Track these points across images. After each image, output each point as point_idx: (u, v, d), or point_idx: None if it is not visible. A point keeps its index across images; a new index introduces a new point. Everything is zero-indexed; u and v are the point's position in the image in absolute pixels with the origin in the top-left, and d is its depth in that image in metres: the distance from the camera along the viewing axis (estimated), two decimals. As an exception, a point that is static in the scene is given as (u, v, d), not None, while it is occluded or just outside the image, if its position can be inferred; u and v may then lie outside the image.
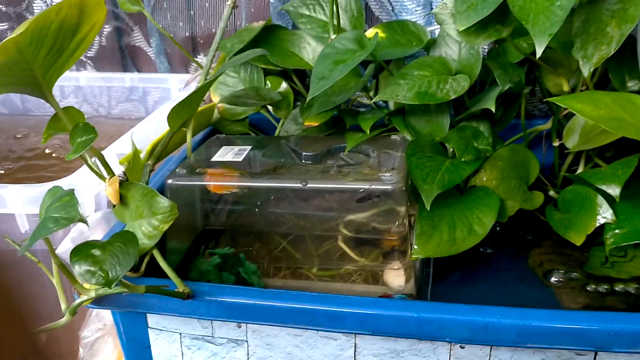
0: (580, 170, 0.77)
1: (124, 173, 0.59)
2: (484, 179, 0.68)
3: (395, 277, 0.67)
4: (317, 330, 0.53)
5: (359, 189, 0.58)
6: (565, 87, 0.76)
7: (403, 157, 0.63)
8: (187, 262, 0.67)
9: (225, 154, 0.68)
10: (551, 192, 0.75)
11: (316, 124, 0.69)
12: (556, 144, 0.79)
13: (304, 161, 0.66)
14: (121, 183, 0.57)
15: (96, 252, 0.48)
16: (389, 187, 0.58)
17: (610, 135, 0.70)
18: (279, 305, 0.51)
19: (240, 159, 0.66)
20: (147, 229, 0.55)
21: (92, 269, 0.46)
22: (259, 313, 0.51)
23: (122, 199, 0.58)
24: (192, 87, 0.87)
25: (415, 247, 0.59)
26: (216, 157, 0.67)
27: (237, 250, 0.71)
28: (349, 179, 0.59)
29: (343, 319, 0.50)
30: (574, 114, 0.76)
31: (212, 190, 0.64)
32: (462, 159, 0.63)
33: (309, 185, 0.59)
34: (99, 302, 0.53)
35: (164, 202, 0.55)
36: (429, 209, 0.59)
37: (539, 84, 0.81)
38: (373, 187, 0.58)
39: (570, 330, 0.46)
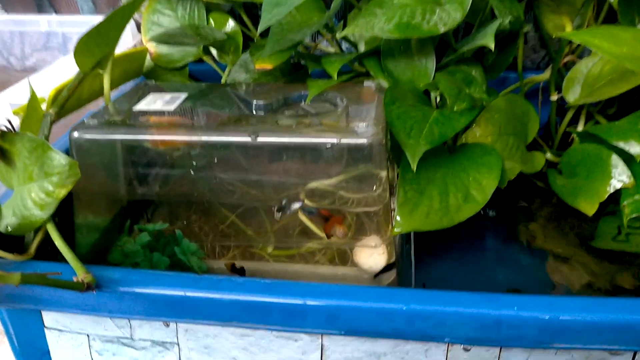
0: (580, 129, 0.66)
1: (10, 122, 0.44)
2: (477, 134, 0.55)
3: (368, 256, 0.54)
4: (271, 329, 0.39)
5: (325, 144, 0.45)
6: (569, 28, 0.64)
7: (379, 107, 0.50)
8: (108, 242, 0.53)
9: (154, 101, 0.53)
10: (548, 155, 0.63)
11: (270, 67, 0.55)
12: (554, 97, 0.67)
13: (255, 112, 0.52)
14: (3, 134, 0.42)
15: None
16: (365, 140, 0.44)
17: (618, 87, 0.59)
18: (220, 298, 0.37)
19: (171, 108, 0.51)
20: (38, 196, 0.41)
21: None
22: (192, 308, 0.38)
23: (6, 156, 0.42)
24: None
25: (398, 218, 0.45)
26: (141, 105, 0.52)
27: (172, 226, 0.56)
28: (312, 131, 0.46)
29: (305, 315, 0.37)
30: (574, 64, 0.64)
31: (136, 146, 0.50)
32: (454, 108, 0.50)
33: (260, 139, 0.45)
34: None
35: (59, 159, 0.40)
36: (414, 170, 0.45)
37: (538, 25, 0.69)
38: (344, 141, 0.44)
39: (611, 324, 0.34)
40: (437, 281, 0.52)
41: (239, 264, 0.54)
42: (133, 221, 0.55)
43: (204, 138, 0.46)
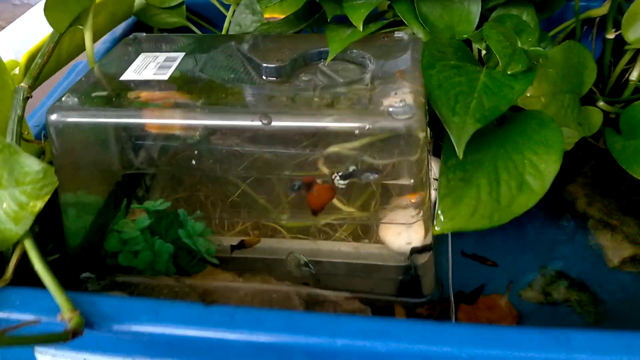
0: (635, 75, 0.56)
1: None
2: (528, 94, 0.46)
3: (396, 234, 0.47)
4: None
5: (354, 128, 0.37)
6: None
7: (416, 70, 0.41)
8: (103, 225, 0.47)
9: (144, 66, 0.44)
10: (601, 104, 0.55)
11: (281, 17, 0.46)
12: (611, 35, 0.57)
13: (265, 77, 0.43)
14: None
15: None
16: (402, 124, 0.36)
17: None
18: (233, 339, 0.31)
19: (165, 77, 0.43)
20: (10, 207, 0.34)
21: None
22: (199, 349, 0.32)
23: (-32, 156, 0.35)
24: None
25: (440, 213, 0.38)
26: (129, 74, 0.43)
27: (175, 197, 0.50)
28: (335, 113, 0.37)
29: (335, 358, 0.31)
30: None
31: (124, 127, 0.42)
32: (508, 71, 0.41)
33: (273, 124, 0.37)
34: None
35: (31, 165, 0.33)
36: (461, 157, 0.38)
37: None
38: (378, 125, 0.36)
39: None
40: (473, 246, 0.46)
41: (249, 239, 0.48)
42: (131, 193, 0.49)
43: (204, 122, 0.38)
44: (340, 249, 0.49)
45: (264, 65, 0.43)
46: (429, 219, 0.44)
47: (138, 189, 0.51)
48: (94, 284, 0.45)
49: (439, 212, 0.38)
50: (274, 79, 0.43)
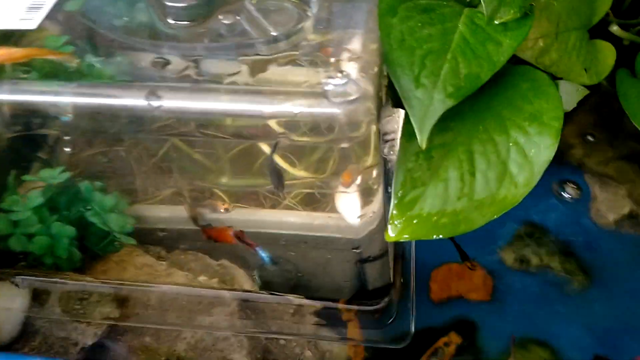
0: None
1: None
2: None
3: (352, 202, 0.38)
4: None
5: (276, 114, 0.27)
6: None
7: (371, 17, 0.30)
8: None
9: (7, 7, 0.33)
10: (615, 28, 0.44)
11: None
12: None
13: (171, 20, 0.32)
14: None
15: None
16: (341, 110, 0.26)
17: None
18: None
19: (34, 23, 0.32)
20: None
21: None
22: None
23: None
24: None
25: (394, 215, 0.29)
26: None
27: (78, 170, 0.40)
28: (252, 91, 0.27)
29: None
30: None
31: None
32: (496, 20, 0.30)
33: (164, 105, 0.27)
34: None
35: None
36: (423, 147, 0.28)
37: None
38: (309, 111, 0.26)
39: None
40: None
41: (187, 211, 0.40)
42: (20, 168, 0.39)
43: (73, 100, 0.28)
44: (290, 219, 0.41)
45: (169, 3, 0.32)
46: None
47: (39, 151, 0.41)
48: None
49: (394, 213, 0.29)
50: (184, 23, 0.32)
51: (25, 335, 0.38)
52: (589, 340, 0.38)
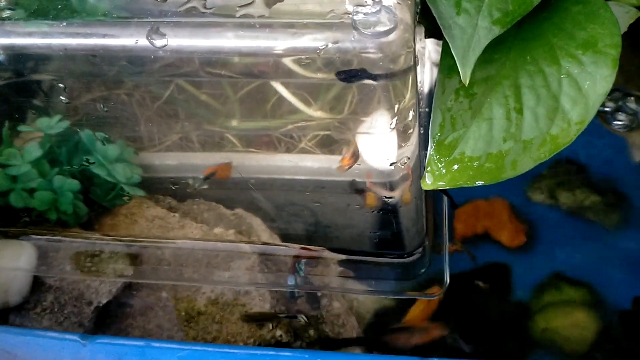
0: None
1: None
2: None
3: (377, 147, 0.35)
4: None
5: (295, 52, 0.23)
6: None
7: None
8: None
9: None
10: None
11: None
12: None
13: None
14: None
15: None
16: (374, 44, 0.22)
17: None
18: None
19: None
20: None
21: None
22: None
23: None
24: None
25: (433, 161, 0.26)
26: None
27: (77, 119, 0.37)
28: (266, 24, 0.23)
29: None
30: None
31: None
32: None
33: (169, 44, 0.23)
34: None
35: None
36: (467, 82, 0.24)
37: None
38: (335, 47, 0.23)
39: None
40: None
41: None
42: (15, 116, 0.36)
43: (67, 42, 0.24)
44: (306, 164, 0.38)
45: None
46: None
47: (35, 97, 0.38)
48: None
49: (433, 159, 0.26)
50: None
51: (36, 295, 0.36)
52: (628, 281, 0.36)
